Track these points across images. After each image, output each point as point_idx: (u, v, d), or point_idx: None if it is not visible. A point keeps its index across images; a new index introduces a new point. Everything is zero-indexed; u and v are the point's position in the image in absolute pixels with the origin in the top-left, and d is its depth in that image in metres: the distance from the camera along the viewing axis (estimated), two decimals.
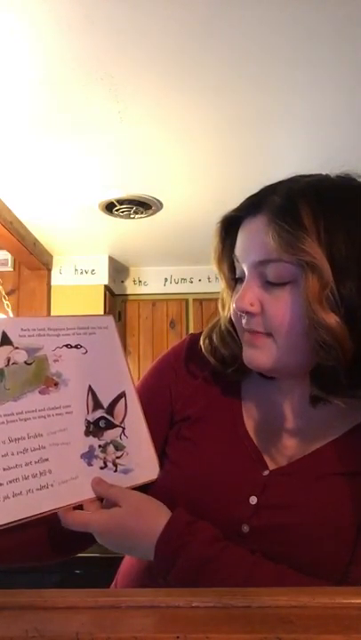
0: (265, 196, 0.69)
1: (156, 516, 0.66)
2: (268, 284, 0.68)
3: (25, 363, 0.70)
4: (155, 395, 0.82)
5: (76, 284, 3.38)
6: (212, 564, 0.62)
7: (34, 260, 3.14)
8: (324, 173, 0.72)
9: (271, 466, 0.72)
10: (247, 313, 0.69)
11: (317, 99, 1.82)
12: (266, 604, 0.44)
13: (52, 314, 3.35)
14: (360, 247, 0.64)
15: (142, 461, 0.74)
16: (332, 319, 0.63)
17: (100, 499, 0.70)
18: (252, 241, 0.69)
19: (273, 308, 0.67)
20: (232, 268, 0.75)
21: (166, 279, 3.62)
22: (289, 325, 0.66)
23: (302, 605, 0.44)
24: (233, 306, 0.72)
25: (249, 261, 0.69)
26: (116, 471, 0.72)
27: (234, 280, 0.75)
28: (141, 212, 2.71)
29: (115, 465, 0.72)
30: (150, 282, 3.64)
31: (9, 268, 3.33)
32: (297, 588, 0.56)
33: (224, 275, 0.76)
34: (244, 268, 0.71)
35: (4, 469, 0.63)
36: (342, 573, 0.64)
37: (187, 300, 3.62)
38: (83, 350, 0.75)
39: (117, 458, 0.72)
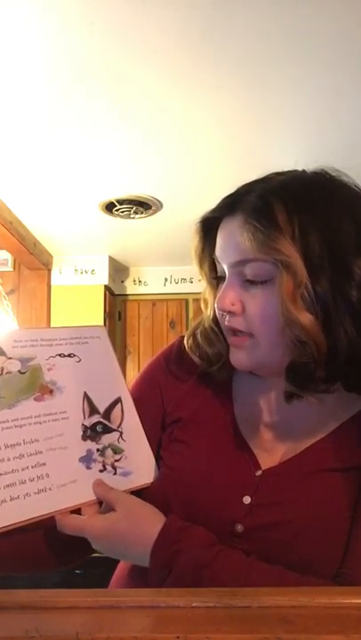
0: (240, 196, 0.70)
1: (151, 522, 0.66)
2: (248, 283, 0.69)
3: (19, 372, 0.71)
4: (147, 398, 0.82)
5: (76, 283, 3.38)
6: (209, 569, 0.62)
7: (34, 260, 3.14)
8: (299, 170, 0.72)
9: (264, 465, 0.72)
10: (229, 312, 0.70)
11: (318, 98, 1.82)
12: (266, 603, 0.44)
13: (51, 314, 3.36)
14: (334, 245, 0.64)
15: (141, 464, 0.75)
16: (305, 317, 0.63)
17: (98, 503, 0.70)
18: (229, 242, 0.70)
19: (252, 306, 0.68)
20: (213, 267, 0.76)
21: (166, 279, 3.62)
22: (266, 323, 0.67)
23: (302, 605, 0.44)
24: (215, 306, 0.72)
25: (228, 262, 0.70)
26: (115, 474, 0.72)
27: (215, 279, 0.76)
28: (141, 212, 2.71)
29: (114, 468, 0.72)
30: (150, 282, 3.65)
31: (9, 268, 3.34)
32: (297, 588, 0.56)
33: (205, 274, 0.77)
34: (224, 267, 0.72)
35: (0, 474, 0.64)
36: (337, 569, 0.65)
37: (187, 300, 3.62)
38: (76, 359, 0.77)
39: (116, 461, 0.73)
